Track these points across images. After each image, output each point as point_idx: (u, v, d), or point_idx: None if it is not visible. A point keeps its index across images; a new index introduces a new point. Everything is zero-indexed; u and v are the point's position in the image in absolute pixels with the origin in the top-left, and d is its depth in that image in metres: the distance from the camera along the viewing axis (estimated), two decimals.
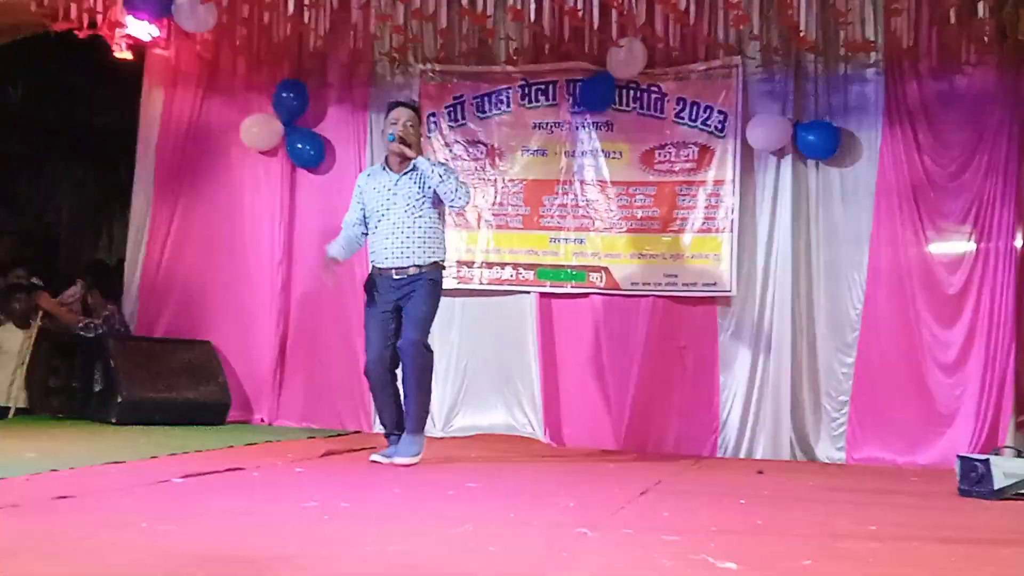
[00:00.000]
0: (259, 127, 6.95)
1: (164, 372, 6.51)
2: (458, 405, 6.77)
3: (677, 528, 3.19)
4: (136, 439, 5.32)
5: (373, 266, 5.10)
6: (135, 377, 6.34)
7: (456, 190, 4.93)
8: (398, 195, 5.00)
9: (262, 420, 6.95)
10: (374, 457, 4.90)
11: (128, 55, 6.50)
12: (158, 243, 7.18)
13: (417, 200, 4.98)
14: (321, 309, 6.98)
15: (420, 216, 4.97)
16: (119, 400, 6.20)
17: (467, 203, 5.05)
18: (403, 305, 4.96)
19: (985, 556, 2.92)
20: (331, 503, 3.43)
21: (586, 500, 3.83)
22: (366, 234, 5.16)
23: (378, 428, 6.72)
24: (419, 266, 4.94)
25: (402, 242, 4.94)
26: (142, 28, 6.33)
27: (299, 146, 6.95)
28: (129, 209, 7.39)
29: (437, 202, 5.03)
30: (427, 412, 5.10)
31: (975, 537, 3.34)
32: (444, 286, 5.27)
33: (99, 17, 6.15)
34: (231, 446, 5.25)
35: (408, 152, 4.98)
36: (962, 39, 5.87)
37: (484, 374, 6.76)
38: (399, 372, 5.03)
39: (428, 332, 5.01)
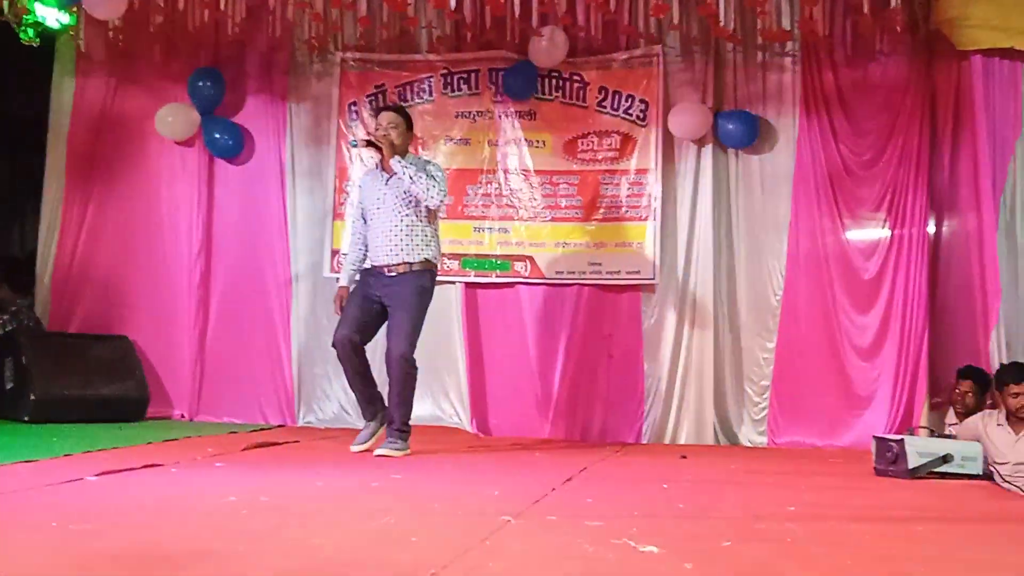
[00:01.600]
0: (175, 116, 6.81)
1: (79, 368, 6.32)
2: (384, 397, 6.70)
3: (600, 514, 3.20)
4: (49, 437, 5.16)
5: (369, 263, 5.19)
6: (49, 374, 6.15)
7: (427, 190, 4.97)
8: (387, 195, 5.08)
9: (182, 416, 6.82)
10: (353, 447, 5.06)
11: (36, 41, 6.28)
12: (71, 236, 7.00)
13: (403, 200, 5.05)
14: (242, 302, 6.87)
15: (406, 215, 5.04)
16: (32, 398, 6.01)
17: (440, 203, 5.05)
18: (389, 304, 5.04)
19: (899, 533, 2.99)
20: (251, 498, 3.37)
21: (510, 489, 3.83)
22: None
23: (302, 422, 6.71)
24: (409, 263, 5.03)
25: (390, 240, 5.04)
26: (51, 14, 6.13)
27: (217, 136, 6.81)
28: (41, 201, 7.17)
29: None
30: (408, 424, 5.06)
31: (890, 515, 3.41)
32: None
33: (5, 2, 5.94)
34: (149, 443, 5.13)
35: (366, 152, 5.19)
36: (876, 29, 6.01)
37: None
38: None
39: (415, 344, 5.02)
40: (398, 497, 3.63)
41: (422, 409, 6.66)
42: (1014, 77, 6.05)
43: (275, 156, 6.87)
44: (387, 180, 5.09)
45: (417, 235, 5.06)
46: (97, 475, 3.74)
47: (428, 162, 5.24)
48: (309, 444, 5.54)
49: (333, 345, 5.11)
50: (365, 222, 5.21)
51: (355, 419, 6.64)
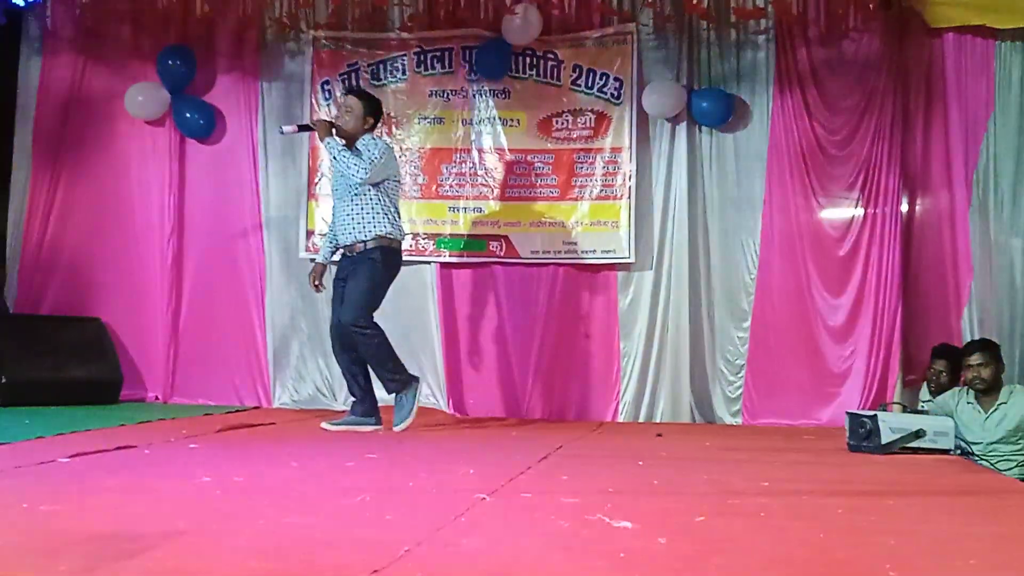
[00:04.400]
0: (144, 95, 6.73)
1: (51, 351, 6.27)
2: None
3: (575, 491, 3.20)
4: (20, 420, 5.11)
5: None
6: (20, 357, 6.09)
7: (348, 167, 5.08)
8: (343, 176, 5.20)
9: (156, 398, 6.78)
10: (325, 425, 5.24)
11: (2, 20, 6.19)
12: (39, 218, 6.92)
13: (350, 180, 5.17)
14: (216, 283, 6.83)
15: (355, 195, 5.16)
16: (3, 381, 5.95)
17: (364, 178, 5.08)
18: (347, 283, 5.21)
19: (870, 507, 3.01)
20: (225, 478, 3.35)
21: (486, 467, 3.82)
22: None
23: (277, 404, 6.68)
24: (363, 241, 5.16)
25: (344, 221, 5.21)
26: None
27: (187, 115, 6.74)
28: (8, 183, 7.08)
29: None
30: (395, 376, 5.21)
31: (862, 490, 3.44)
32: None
33: None
34: (122, 425, 5.10)
35: (288, 130, 5.43)
36: (848, 6, 6.01)
37: None
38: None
39: (363, 313, 5.10)
40: (373, 476, 3.63)
41: None
42: (986, 55, 6.09)
43: (247, 136, 6.81)
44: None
45: (368, 213, 5.16)
46: (69, 457, 3.70)
47: (371, 140, 5.23)
48: (284, 426, 5.52)
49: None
50: None
51: (330, 400, 6.65)
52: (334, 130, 5.25)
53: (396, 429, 5.14)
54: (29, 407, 5.77)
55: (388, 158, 5.22)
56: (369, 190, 5.15)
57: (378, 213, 5.17)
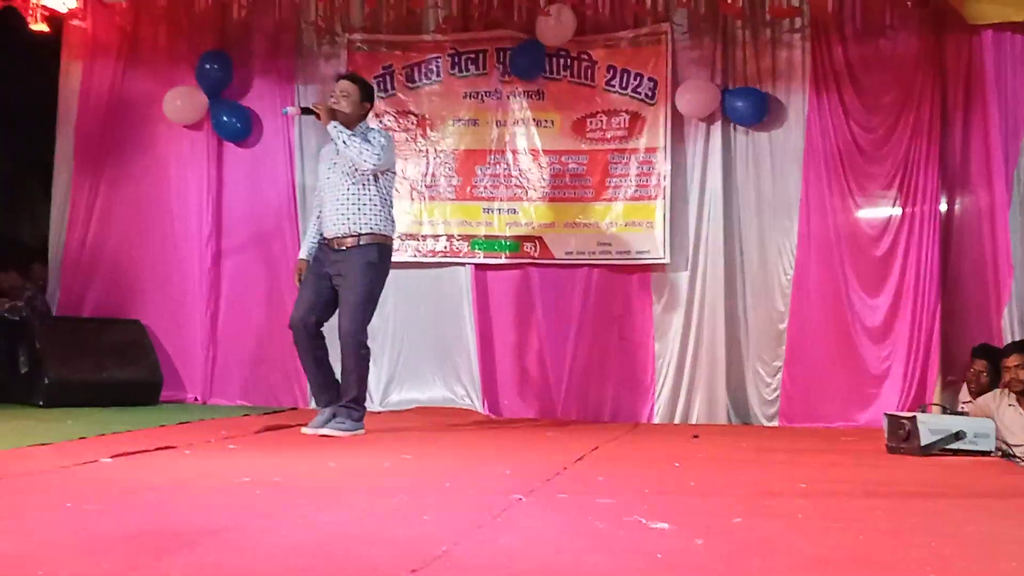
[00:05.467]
0: (183, 100, 6.80)
1: (92, 352, 6.36)
2: (395, 379, 6.74)
3: (611, 491, 3.20)
4: (64, 420, 5.19)
5: (323, 237, 5.05)
6: (62, 358, 6.19)
7: (360, 154, 4.82)
8: (338, 164, 4.97)
9: (195, 399, 6.85)
10: (304, 430, 4.85)
11: (44, 27, 6.29)
12: (81, 221, 7.02)
13: (350, 168, 4.92)
14: (253, 284, 6.89)
15: (352, 184, 4.92)
16: (46, 382, 6.05)
17: (376, 164, 4.84)
18: (338, 284, 4.91)
19: (909, 509, 2.98)
20: (264, 478, 3.38)
21: (522, 467, 3.83)
22: None
23: (314, 405, 6.68)
24: (356, 235, 4.88)
25: (337, 210, 4.91)
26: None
27: (225, 119, 6.81)
28: (51, 187, 7.19)
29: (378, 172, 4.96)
30: (363, 394, 4.97)
31: (901, 491, 3.41)
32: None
33: None
34: (163, 425, 5.16)
35: (291, 111, 5.40)
36: (885, 4, 5.96)
37: (421, 347, 6.73)
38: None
39: (363, 328, 4.90)
40: (410, 476, 3.65)
41: (434, 391, 6.71)
42: None
43: (283, 138, 6.86)
44: (338, 150, 4.95)
45: (365, 205, 4.90)
46: (111, 457, 3.76)
47: (371, 129, 5.07)
48: None
49: (289, 327, 5.00)
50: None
51: (367, 401, 6.66)
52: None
53: (321, 433, 4.76)
54: (71, 408, 5.85)
55: (391, 148, 5.05)
56: (369, 180, 4.91)
57: (376, 206, 4.91)
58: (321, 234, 5.06)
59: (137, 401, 6.29)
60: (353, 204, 4.90)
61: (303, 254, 5.16)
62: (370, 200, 4.91)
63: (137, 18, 6.87)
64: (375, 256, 4.92)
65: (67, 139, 7.10)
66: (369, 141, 4.89)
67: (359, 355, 4.88)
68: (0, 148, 9.01)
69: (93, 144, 7.04)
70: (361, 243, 4.89)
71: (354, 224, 4.89)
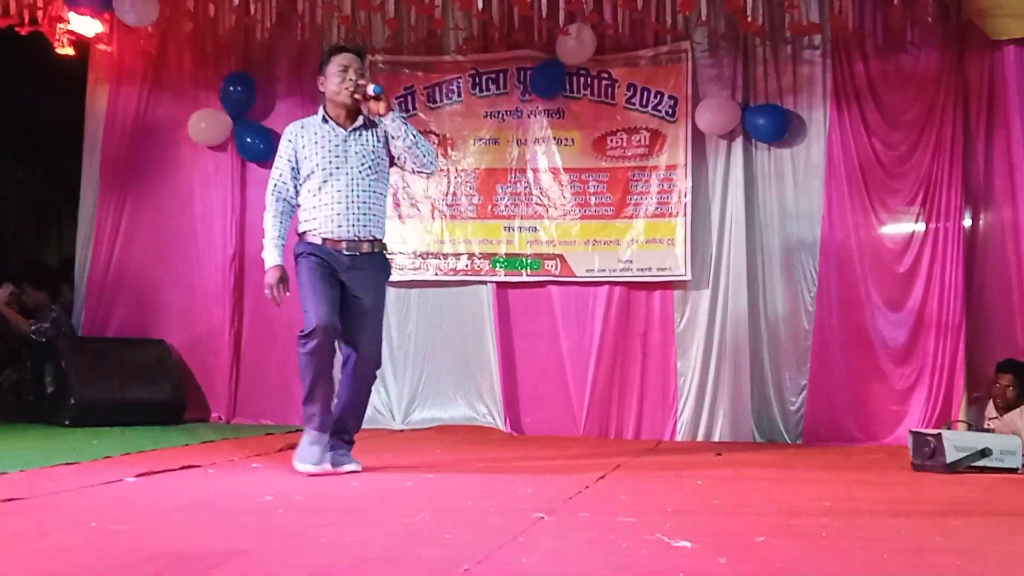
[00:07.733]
0: (207, 122, 6.87)
1: (117, 372, 6.40)
2: (417, 397, 6.75)
3: (634, 510, 3.20)
4: (89, 440, 5.24)
5: (319, 236, 4.23)
6: (88, 378, 6.22)
7: (427, 154, 4.27)
8: (349, 154, 4.22)
9: (219, 418, 6.88)
10: (310, 468, 4.07)
11: (71, 51, 6.39)
12: (106, 242, 7.08)
13: (373, 162, 4.24)
14: (275, 305, 6.89)
15: (376, 180, 4.25)
16: (72, 402, 6.10)
17: (435, 170, 4.42)
18: (357, 295, 4.19)
19: (935, 527, 2.96)
20: (287, 497, 3.40)
21: (544, 486, 3.83)
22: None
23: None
24: (374, 240, 4.23)
25: (358, 207, 4.18)
26: (84, 23, 6.23)
27: (248, 140, 6.87)
28: (77, 208, 7.28)
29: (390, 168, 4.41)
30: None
31: (926, 510, 3.39)
32: (398, 278, 5.07)
33: (40, 13, 6.04)
34: (187, 445, 5.19)
35: (376, 108, 4.19)
36: (906, 20, 5.95)
37: (443, 366, 6.74)
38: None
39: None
40: (432, 496, 3.65)
41: (455, 410, 6.71)
42: None
43: None
44: (345, 137, 4.23)
45: (382, 207, 4.29)
46: (136, 476, 3.79)
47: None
48: None
49: (310, 332, 4.06)
50: (301, 185, 4.28)
51: (388, 419, 6.70)
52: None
53: (348, 470, 4.14)
54: (97, 427, 5.89)
55: None
56: (388, 181, 4.36)
57: (386, 209, 4.36)
58: (320, 234, 4.23)
59: (162, 420, 6.32)
60: (375, 203, 4.25)
61: (277, 259, 4.30)
62: (386, 203, 4.37)
63: (162, 42, 6.95)
64: (389, 270, 4.45)
65: (93, 161, 7.18)
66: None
67: (374, 380, 4.39)
68: (28, 170, 9.16)
69: (119, 166, 7.11)
70: (375, 250, 4.26)
71: (374, 227, 4.24)
